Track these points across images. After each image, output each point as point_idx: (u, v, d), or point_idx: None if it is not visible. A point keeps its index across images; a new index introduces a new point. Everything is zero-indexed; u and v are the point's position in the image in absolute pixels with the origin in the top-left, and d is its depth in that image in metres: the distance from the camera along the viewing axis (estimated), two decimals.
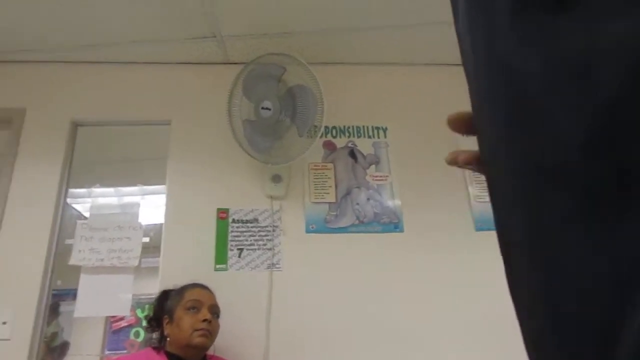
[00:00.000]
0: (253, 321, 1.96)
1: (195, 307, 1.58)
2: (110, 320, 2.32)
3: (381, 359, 1.94)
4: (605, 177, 0.22)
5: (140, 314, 2.30)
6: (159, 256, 2.06)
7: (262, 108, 1.95)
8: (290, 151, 2.03)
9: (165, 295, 1.69)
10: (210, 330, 1.56)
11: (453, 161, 0.50)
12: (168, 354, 1.53)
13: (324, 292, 2.03)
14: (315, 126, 2.01)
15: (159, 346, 1.58)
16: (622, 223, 0.22)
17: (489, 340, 1.99)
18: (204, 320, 1.55)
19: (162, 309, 1.65)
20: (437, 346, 1.97)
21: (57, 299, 2.50)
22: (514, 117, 0.28)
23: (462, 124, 0.54)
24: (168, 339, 1.58)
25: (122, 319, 2.30)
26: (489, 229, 2.17)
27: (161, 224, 2.12)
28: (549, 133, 0.25)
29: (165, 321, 1.61)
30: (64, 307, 2.47)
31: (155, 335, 1.63)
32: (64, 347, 2.49)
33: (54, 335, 2.51)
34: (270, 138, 2.00)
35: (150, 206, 2.21)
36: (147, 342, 1.60)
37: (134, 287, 2.03)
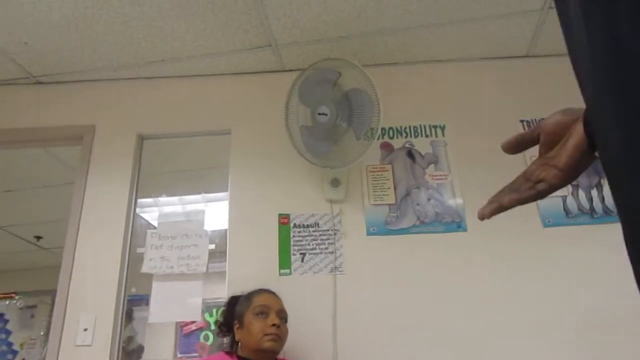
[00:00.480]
0: (320, 324, 1.98)
1: (263, 312, 1.62)
2: (181, 324, 2.41)
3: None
4: None
5: (208, 317, 2.38)
6: (225, 261, 2.12)
7: (319, 114, 1.96)
8: (348, 155, 2.03)
9: (234, 300, 1.74)
10: (280, 334, 1.59)
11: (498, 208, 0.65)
12: (240, 358, 1.57)
13: (387, 294, 2.03)
14: (372, 129, 2.00)
15: (231, 351, 1.63)
16: None
17: (560, 340, 1.92)
18: (273, 325, 1.58)
19: (231, 315, 1.70)
20: (503, 349, 1.92)
21: (131, 305, 2.63)
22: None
23: (517, 148, 0.67)
24: (240, 343, 1.63)
25: (192, 322, 2.38)
26: (557, 225, 2.10)
27: (225, 230, 2.18)
28: None
29: (236, 326, 1.65)
30: (137, 313, 2.59)
31: (226, 340, 1.68)
32: (140, 350, 2.62)
33: (130, 339, 2.64)
34: (327, 143, 2.01)
35: (215, 214, 2.28)
36: (218, 347, 1.65)
37: (202, 292, 2.11)
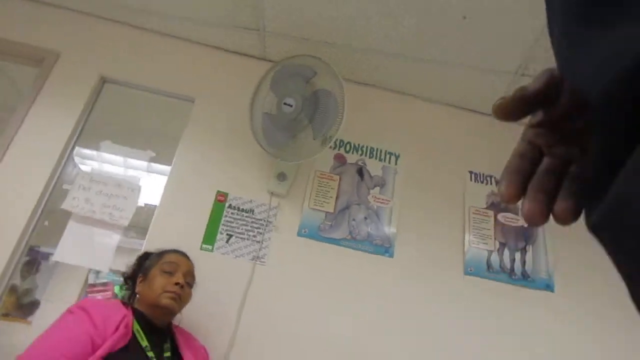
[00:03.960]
0: (226, 306, 1.95)
1: (171, 271, 1.58)
2: (87, 290, 2.28)
3: None
4: None
5: (117, 290, 2.26)
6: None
7: (285, 104, 1.99)
8: (301, 152, 2.05)
9: (145, 256, 1.69)
10: (181, 295, 1.55)
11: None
12: (135, 311, 1.52)
13: (301, 297, 2.02)
14: (330, 136, 2.03)
15: (128, 302, 1.57)
16: None
17: None
18: (177, 284, 1.54)
19: (139, 268, 1.65)
20: None
21: (41, 257, 2.48)
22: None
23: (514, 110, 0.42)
24: (137, 296, 1.57)
25: (99, 291, 2.26)
26: (477, 275, 2.17)
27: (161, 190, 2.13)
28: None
29: (140, 279, 1.60)
30: (44, 266, 2.46)
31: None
32: (34, 305, 2.46)
33: (27, 291, 2.49)
34: (285, 134, 2.03)
35: (155, 180, 2.23)
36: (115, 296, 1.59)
37: (116, 263, 2.02)
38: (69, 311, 1.38)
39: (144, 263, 1.65)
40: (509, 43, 2.09)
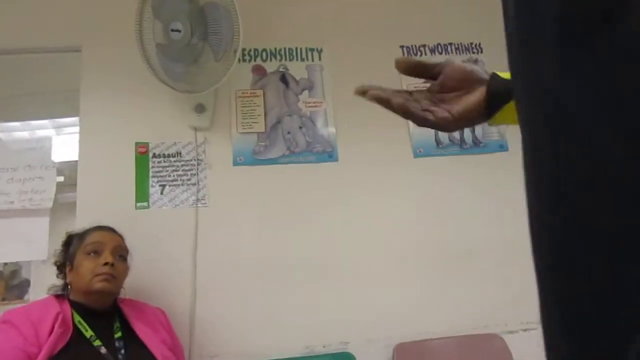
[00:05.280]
0: (179, 259, 1.87)
1: (96, 251, 1.47)
2: None
3: (315, 293, 1.89)
4: None
5: None
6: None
7: (172, 30, 1.74)
8: (209, 77, 1.84)
9: (69, 240, 1.57)
10: (114, 274, 1.46)
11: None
12: (71, 303, 1.43)
13: (253, 227, 1.94)
14: (235, 50, 1.81)
15: (63, 294, 1.48)
16: None
17: (427, 267, 1.95)
18: (106, 264, 1.44)
19: (66, 255, 1.54)
20: (373, 278, 1.92)
21: None
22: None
23: (410, 70, 0.69)
24: (69, 286, 1.48)
25: None
26: (427, 155, 2.08)
27: (76, 161, 1.96)
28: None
29: (68, 268, 1.50)
30: None
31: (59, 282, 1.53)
32: (25, 284, 2.39)
33: (14, 273, 2.41)
34: (182, 64, 1.81)
35: (65, 142, 2.04)
36: (48, 290, 1.50)
37: (53, 230, 1.91)
38: None
39: (69, 250, 1.53)
40: None
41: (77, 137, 1.97)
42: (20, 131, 2.06)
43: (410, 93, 0.66)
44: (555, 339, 0.28)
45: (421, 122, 0.64)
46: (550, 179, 0.29)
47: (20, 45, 2.07)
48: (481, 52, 2.24)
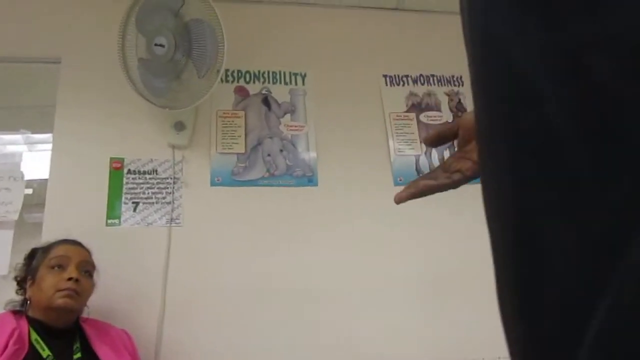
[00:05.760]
0: (148, 279, 1.79)
1: (61, 265, 1.40)
2: None
3: (291, 318, 1.82)
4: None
5: None
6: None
7: (156, 44, 1.72)
8: (191, 94, 1.82)
9: (33, 253, 1.49)
10: (78, 290, 1.38)
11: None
12: (29, 319, 1.34)
13: (228, 249, 1.88)
14: (218, 69, 1.80)
15: (22, 310, 1.39)
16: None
17: (403, 296, 1.90)
18: (70, 279, 1.36)
19: (28, 269, 1.45)
20: (349, 304, 1.87)
21: None
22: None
23: (437, 142, 0.72)
24: (28, 302, 1.39)
25: None
26: (407, 183, 2.06)
27: (46, 180, 1.89)
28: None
29: (29, 283, 1.41)
30: None
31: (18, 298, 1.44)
32: None
33: None
34: (165, 79, 1.78)
35: (38, 159, 1.98)
36: (5, 305, 1.41)
37: (16, 248, 1.81)
38: None
39: (32, 263, 1.45)
40: None
41: (49, 154, 1.91)
42: None
43: (442, 165, 0.66)
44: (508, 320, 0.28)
45: (452, 186, 0.65)
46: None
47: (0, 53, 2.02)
48: (462, 85, 2.27)
